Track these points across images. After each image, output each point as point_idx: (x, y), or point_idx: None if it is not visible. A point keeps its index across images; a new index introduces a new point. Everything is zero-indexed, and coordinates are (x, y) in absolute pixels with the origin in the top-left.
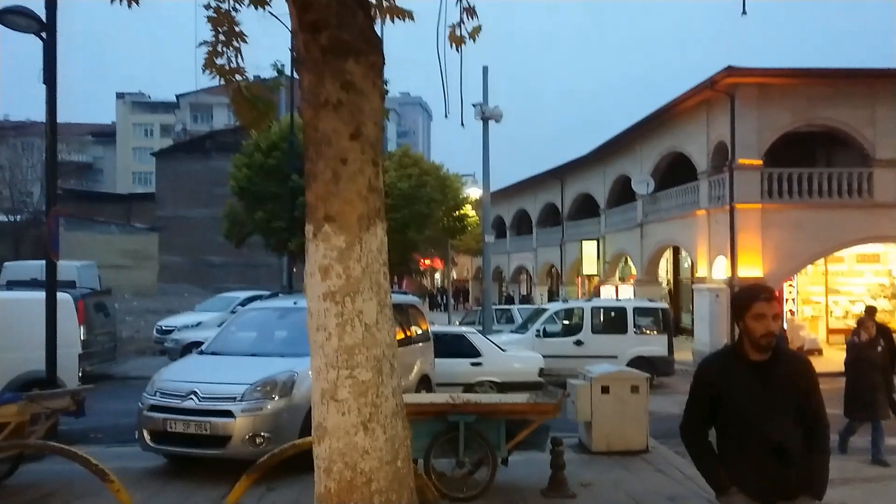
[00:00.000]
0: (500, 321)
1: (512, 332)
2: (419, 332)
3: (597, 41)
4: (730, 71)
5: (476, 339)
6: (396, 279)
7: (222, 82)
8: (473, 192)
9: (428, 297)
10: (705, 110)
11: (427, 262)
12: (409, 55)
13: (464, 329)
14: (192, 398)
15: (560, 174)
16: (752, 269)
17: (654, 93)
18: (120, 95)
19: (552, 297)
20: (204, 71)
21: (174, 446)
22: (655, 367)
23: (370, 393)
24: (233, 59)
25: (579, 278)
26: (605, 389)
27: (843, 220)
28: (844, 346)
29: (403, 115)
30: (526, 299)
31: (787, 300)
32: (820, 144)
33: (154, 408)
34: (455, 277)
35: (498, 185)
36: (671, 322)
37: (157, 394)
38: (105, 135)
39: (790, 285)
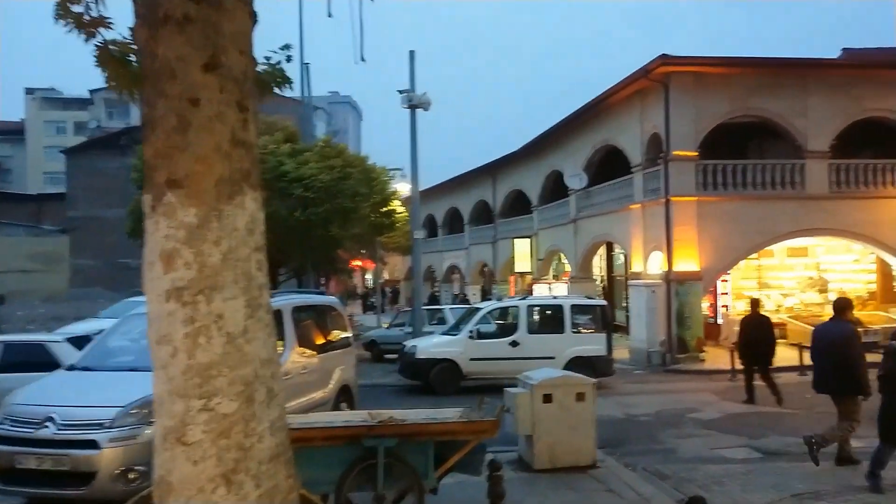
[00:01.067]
0: (432, 322)
1: (443, 333)
2: (341, 336)
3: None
4: (664, 59)
5: (59, 348)
6: (324, 280)
7: (82, 35)
8: (402, 188)
9: (360, 298)
10: (639, 101)
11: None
12: (338, 54)
13: (44, 336)
14: (47, 426)
15: (492, 171)
16: (688, 263)
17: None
18: (30, 91)
19: (485, 296)
20: (57, 20)
21: (27, 487)
22: (595, 368)
23: (235, 431)
24: (93, 7)
25: (512, 277)
26: (547, 398)
27: (778, 213)
28: (782, 342)
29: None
30: (465, 299)
31: (721, 295)
32: (753, 136)
33: (1, 439)
34: (387, 277)
35: (431, 183)
36: (610, 319)
37: (6, 421)
38: (14, 133)
39: (724, 280)
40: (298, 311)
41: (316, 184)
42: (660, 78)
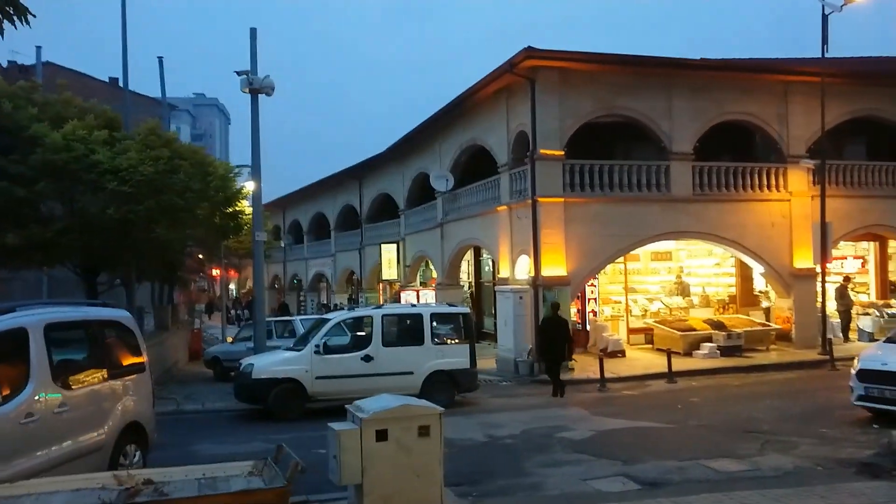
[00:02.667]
0: (281, 335)
1: (287, 349)
2: (129, 361)
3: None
4: (529, 52)
5: None
6: (167, 291)
7: None
8: (250, 186)
9: (216, 309)
10: (505, 98)
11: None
12: (206, 52)
13: None
14: None
15: (358, 174)
16: (555, 268)
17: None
18: None
19: (353, 305)
20: None
21: None
22: (458, 383)
23: None
24: None
25: (380, 284)
26: (381, 435)
27: (644, 215)
28: (648, 348)
29: (198, 117)
30: (330, 309)
31: (589, 300)
32: (619, 137)
33: None
34: (249, 287)
35: (296, 186)
36: (473, 328)
37: None
38: None
39: (592, 285)
40: (55, 329)
41: (136, 177)
42: (526, 73)
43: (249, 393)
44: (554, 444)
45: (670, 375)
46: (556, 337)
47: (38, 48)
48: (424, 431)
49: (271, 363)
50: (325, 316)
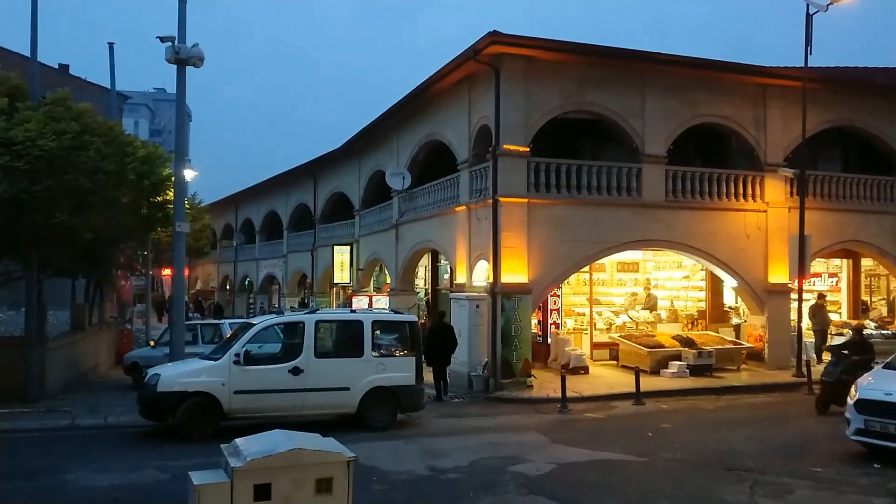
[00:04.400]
0: (210, 340)
1: (203, 357)
2: None
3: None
4: (494, 36)
5: None
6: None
7: None
8: (189, 174)
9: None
10: (467, 89)
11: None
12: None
13: None
14: None
15: (313, 170)
16: (516, 275)
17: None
18: None
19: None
20: None
21: None
22: (400, 401)
23: None
24: None
25: (333, 288)
26: (262, 491)
27: (612, 221)
28: (613, 364)
29: (158, 112)
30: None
31: (551, 312)
32: (587, 135)
33: None
34: (199, 287)
35: (250, 182)
36: (420, 339)
37: None
38: None
39: (555, 295)
40: None
41: (33, 151)
42: (490, 60)
43: (153, 408)
44: (507, 480)
45: (638, 396)
46: (442, 343)
47: None
48: (325, 486)
49: (181, 373)
50: (249, 320)
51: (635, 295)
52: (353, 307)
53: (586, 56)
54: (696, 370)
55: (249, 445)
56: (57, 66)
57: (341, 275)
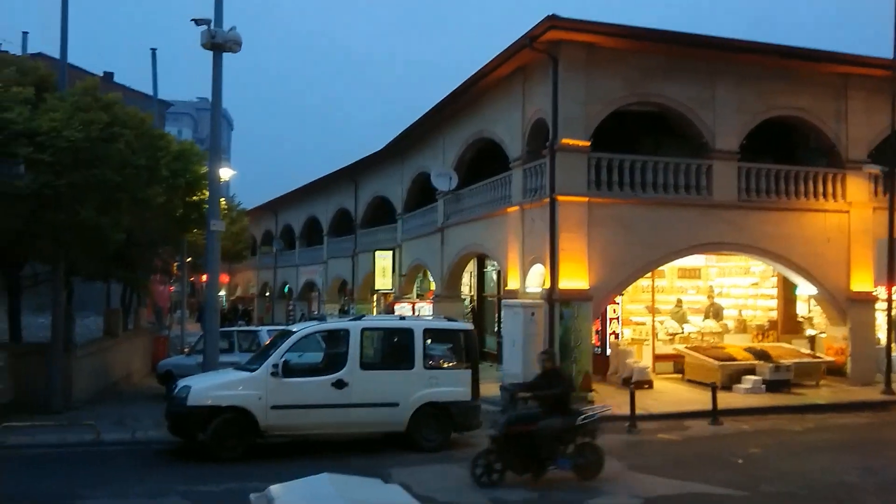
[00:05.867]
0: (247, 348)
1: (238, 368)
2: None
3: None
4: (552, 21)
5: None
6: (130, 293)
7: None
8: (225, 173)
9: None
10: (521, 80)
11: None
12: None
13: None
14: None
15: (354, 174)
16: (575, 280)
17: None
18: None
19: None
20: None
21: None
22: (454, 418)
23: None
24: None
25: (374, 295)
26: None
27: (680, 222)
28: (677, 378)
29: (200, 121)
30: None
31: (610, 321)
32: (647, 130)
33: None
34: (239, 294)
35: (290, 188)
36: (477, 350)
37: None
38: None
39: (614, 302)
40: None
41: (58, 143)
42: (548, 48)
43: (182, 424)
44: None
45: (714, 415)
46: None
47: (25, 34)
48: None
49: (213, 386)
50: (288, 327)
51: (680, 304)
52: (397, 314)
53: (652, 43)
54: (772, 386)
55: (288, 499)
56: (102, 74)
57: (383, 281)
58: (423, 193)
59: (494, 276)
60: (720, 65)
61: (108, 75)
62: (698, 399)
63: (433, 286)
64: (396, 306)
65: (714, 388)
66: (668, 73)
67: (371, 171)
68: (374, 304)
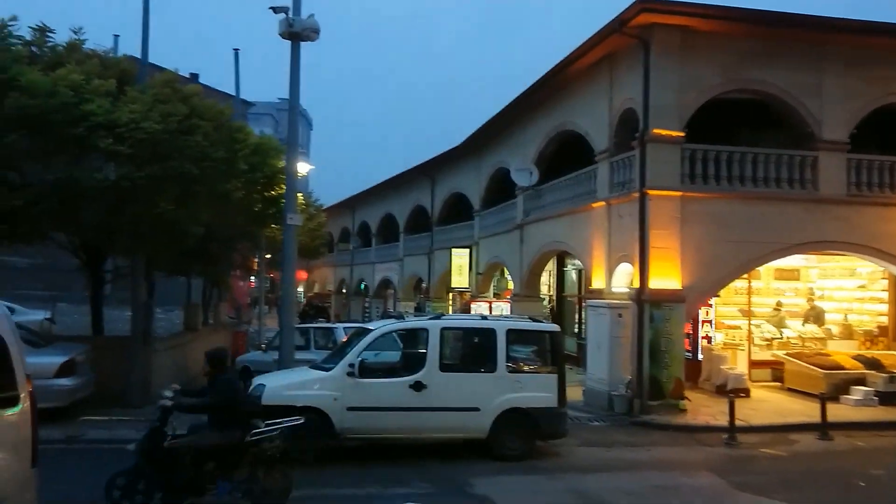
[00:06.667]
0: (323, 346)
1: (313, 367)
2: None
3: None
4: (644, 3)
5: None
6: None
7: None
8: (302, 168)
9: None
10: (608, 68)
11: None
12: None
13: None
14: None
15: (430, 171)
16: (667, 279)
17: None
18: None
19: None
20: None
21: None
22: (539, 425)
23: None
24: None
25: (450, 293)
26: None
27: (781, 218)
28: (775, 386)
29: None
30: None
31: (702, 324)
32: (743, 119)
33: None
34: (315, 291)
35: (367, 186)
36: (563, 352)
37: None
38: None
39: (707, 304)
40: None
41: (137, 134)
42: (639, 33)
43: None
44: None
45: (823, 429)
46: None
47: (116, 37)
48: None
49: (288, 385)
50: (365, 325)
51: (780, 307)
52: (478, 313)
53: (753, 25)
54: (886, 398)
55: None
56: (188, 76)
57: (459, 279)
58: (500, 190)
59: (574, 276)
60: (828, 48)
61: (194, 76)
62: (801, 410)
63: (510, 285)
64: (473, 305)
65: (823, 400)
66: (769, 58)
67: (448, 167)
68: (450, 302)
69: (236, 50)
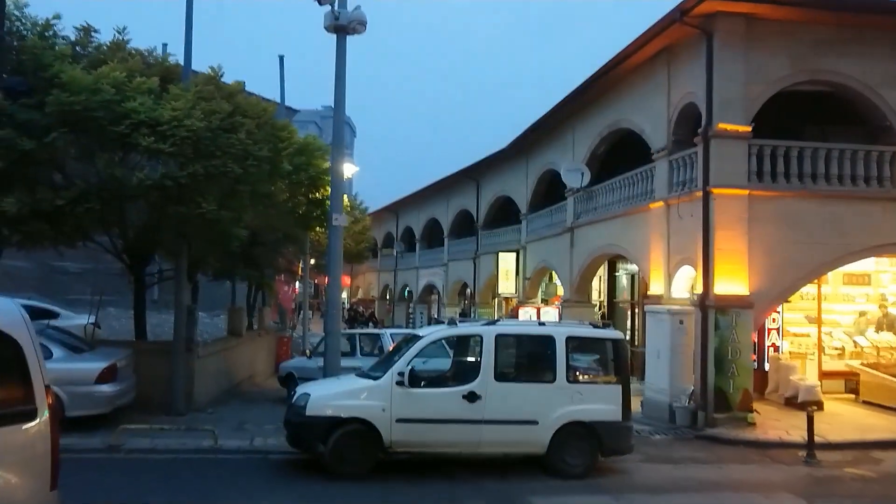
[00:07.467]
0: (369, 352)
1: (359, 375)
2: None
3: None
4: None
5: None
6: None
7: None
8: (348, 169)
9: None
10: (665, 62)
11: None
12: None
13: None
14: None
15: (475, 174)
16: (733, 283)
17: None
18: None
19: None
20: None
21: None
22: (602, 441)
23: None
24: None
25: (495, 299)
26: None
27: (857, 219)
28: (849, 398)
29: (325, 129)
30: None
31: (769, 331)
32: (810, 113)
33: None
34: (360, 296)
35: (411, 190)
36: (628, 362)
37: None
38: None
39: (775, 311)
40: None
41: (179, 133)
42: (700, 23)
43: (301, 435)
44: None
45: None
46: None
47: (164, 45)
48: None
49: (334, 395)
50: (415, 331)
51: (865, 314)
52: (534, 320)
53: (824, 11)
54: None
55: None
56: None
57: (506, 284)
58: (548, 192)
59: (626, 280)
60: None
61: (239, 84)
62: (883, 426)
63: (560, 290)
64: (520, 310)
65: None
66: (843, 47)
67: (493, 170)
68: (496, 308)
69: (281, 56)
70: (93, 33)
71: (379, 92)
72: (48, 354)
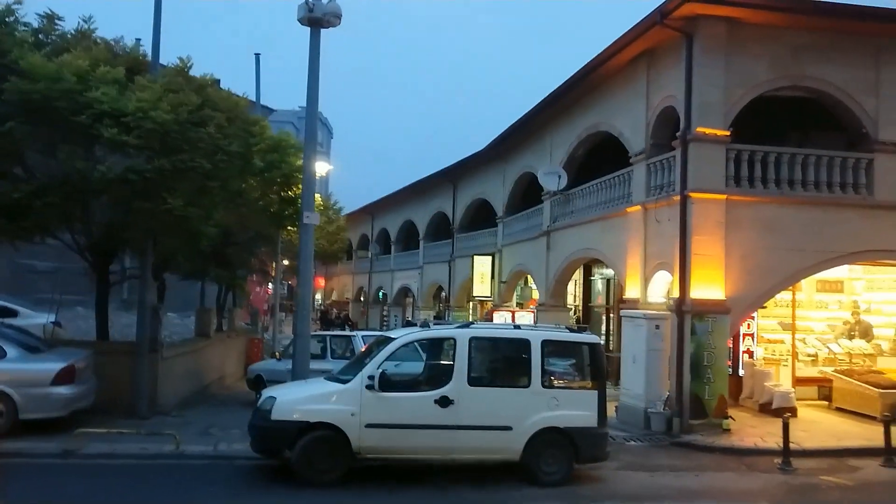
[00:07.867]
0: (341, 355)
1: (328, 378)
2: None
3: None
4: None
5: None
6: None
7: None
8: (321, 167)
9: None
10: (645, 65)
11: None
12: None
13: None
14: None
15: (452, 176)
16: (710, 289)
17: None
18: None
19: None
20: None
21: None
22: (578, 447)
23: None
24: None
25: (471, 303)
26: None
27: (835, 225)
28: (823, 405)
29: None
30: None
31: (744, 337)
32: (790, 119)
33: None
34: (334, 298)
35: (387, 192)
36: (604, 366)
37: None
38: None
39: (749, 317)
40: None
41: (145, 124)
42: (682, 25)
43: (266, 440)
44: None
45: (890, 454)
46: None
47: (138, 40)
48: None
49: (302, 399)
50: (387, 334)
51: (849, 322)
52: (510, 323)
53: (807, 16)
54: None
55: None
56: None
57: (481, 287)
58: (526, 196)
59: (601, 285)
60: (886, 41)
61: (215, 82)
62: (857, 432)
63: (535, 294)
64: (495, 314)
65: (887, 422)
66: (824, 53)
67: (471, 173)
68: (471, 311)
69: (257, 54)
70: (57, 21)
71: (379, 92)
72: (1, 354)
